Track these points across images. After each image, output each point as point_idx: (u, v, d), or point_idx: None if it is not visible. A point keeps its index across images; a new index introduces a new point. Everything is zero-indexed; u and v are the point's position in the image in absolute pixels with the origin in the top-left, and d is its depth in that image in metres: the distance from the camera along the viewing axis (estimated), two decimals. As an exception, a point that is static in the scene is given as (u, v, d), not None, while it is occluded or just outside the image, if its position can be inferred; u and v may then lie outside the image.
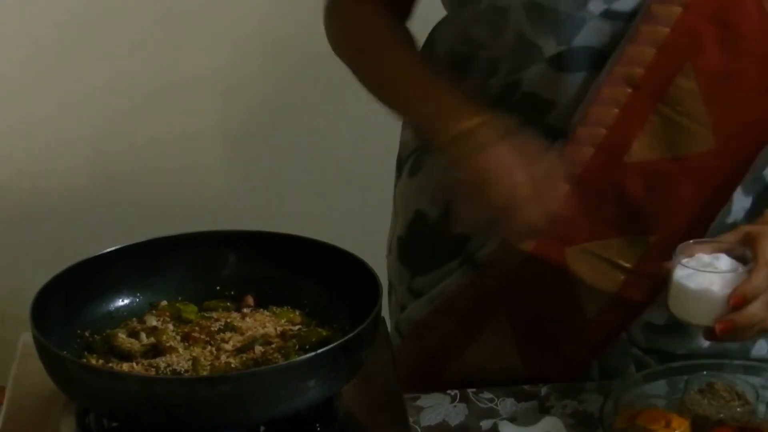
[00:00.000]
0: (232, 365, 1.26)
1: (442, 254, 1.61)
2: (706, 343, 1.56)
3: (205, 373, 1.25)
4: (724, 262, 1.34)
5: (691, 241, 1.37)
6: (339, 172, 2.74)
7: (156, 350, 1.30)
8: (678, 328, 1.57)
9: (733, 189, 1.50)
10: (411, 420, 1.47)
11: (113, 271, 1.39)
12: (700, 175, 1.47)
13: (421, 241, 1.65)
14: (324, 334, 1.32)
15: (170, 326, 1.35)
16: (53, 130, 2.65)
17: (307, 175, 2.73)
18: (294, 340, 1.31)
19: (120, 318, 1.38)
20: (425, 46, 1.62)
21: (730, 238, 1.37)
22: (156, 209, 2.69)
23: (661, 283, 1.47)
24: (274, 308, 1.39)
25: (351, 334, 1.21)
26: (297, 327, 1.35)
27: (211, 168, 2.73)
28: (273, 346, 1.30)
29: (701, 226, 1.49)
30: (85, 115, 2.65)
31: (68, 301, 1.34)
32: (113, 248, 1.39)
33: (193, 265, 1.42)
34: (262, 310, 1.39)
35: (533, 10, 1.46)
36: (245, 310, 1.38)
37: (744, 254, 1.34)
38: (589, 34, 1.45)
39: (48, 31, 2.58)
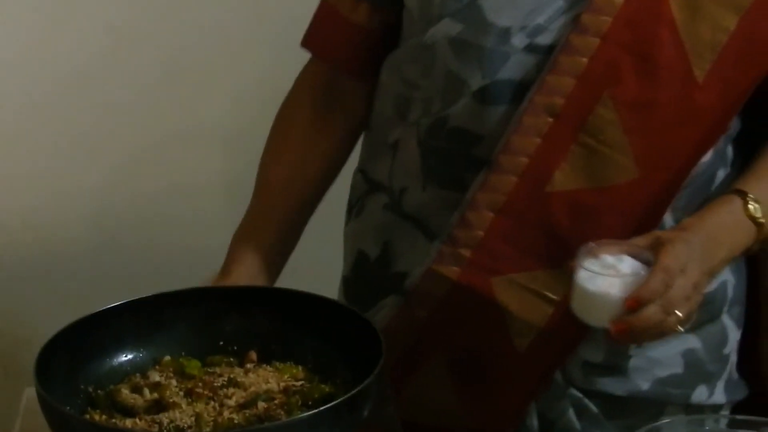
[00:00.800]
0: (235, 421, 1.26)
1: (382, 291, 1.61)
2: (645, 385, 1.58)
3: (208, 430, 1.25)
4: (627, 265, 1.35)
5: (597, 242, 1.37)
6: (340, 221, 2.75)
7: (159, 406, 1.30)
8: (616, 367, 1.57)
9: (659, 219, 1.50)
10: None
11: (117, 326, 1.39)
12: (624, 206, 1.48)
13: (364, 280, 1.67)
14: (327, 390, 1.32)
15: (173, 382, 1.35)
16: (57, 181, 2.65)
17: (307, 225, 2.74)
18: (297, 396, 1.31)
19: (123, 373, 1.38)
20: (376, 91, 1.65)
21: (640, 242, 1.37)
22: (158, 259, 2.69)
23: None
24: (277, 363, 1.39)
25: (354, 391, 1.22)
26: (300, 383, 1.35)
27: (213, 218, 2.73)
28: (276, 402, 1.30)
29: None
30: (88, 166, 2.66)
31: (72, 357, 1.34)
32: (116, 304, 1.39)
33: (197, 321, 1.43)
34: (265, 365, 1.39)
35: (458, 46, 1.48)
36: (248, 366, 1.39)
37: (648, 258, 1.34)
38: (513, 68, 1.47)
39: (51, 83, 2.59)
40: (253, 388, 1.33)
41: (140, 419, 1.28)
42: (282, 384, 1.35)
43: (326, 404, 1.22)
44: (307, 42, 1.68)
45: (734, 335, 1.65)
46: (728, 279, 1.62)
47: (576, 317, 1.37)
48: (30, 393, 1.39)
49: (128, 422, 1.27)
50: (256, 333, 1.42)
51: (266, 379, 1.36)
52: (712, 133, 1.49)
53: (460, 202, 1.51)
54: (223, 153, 2.71)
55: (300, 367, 1.39)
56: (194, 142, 2.68)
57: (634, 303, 1.31)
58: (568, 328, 1.50)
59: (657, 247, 1.35)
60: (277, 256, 1.64)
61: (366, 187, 1.67)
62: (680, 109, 1.45)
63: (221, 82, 2.63)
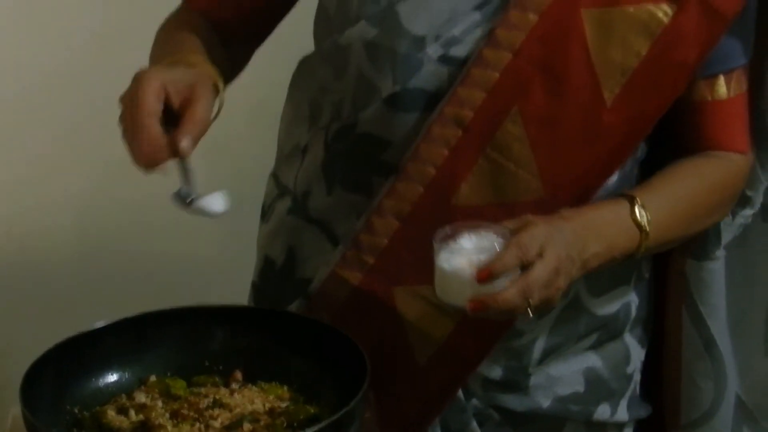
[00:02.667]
0: (221, 443, 1.27)
1: (288, 297, 1.61)
2: (546, 402, 1.59)
3: (193, 452, 1.26)
4: (483, 245, 1.35)
5: (458, 223, 1.37)
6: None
7: (145, 427, 1.30)
8: (516, 384, 1.58)
9: None
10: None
11: (102, 346, 1.39)
12: None
13: (271, 285, 1.67)
14: (312, 411, 1.33)
15: (159, 403, 1.35)
16: (40, 189, 2.65)
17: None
18: (282, 418, 1.31)
19: (109, 394, 1.39)
20: (289, 94, 1.66)
21: (509, 224, 1.37)
22: (143, 267, 2.69)
23: (492, 336, 1.51)
24: (263, 384, 1.39)
25: (339, 414, 1.22)
26: (285, 403, 1.36)
27: (198, 226, 2.72)
28: (261, 423, 1.30)
29: None
30: (71, 174, 2.65)
31: (57, 378, 1.34)
32: (101, 324, 1.39)
33: (182, 340, 1.43)
34: (250, 385, 1.39)
35: (373, 50, 1.49)
36: (234, 386, 1.39)
37: (507, 238, 1.34)
38: (426, 77, 1.48)
39: (33, 90, 2.58)
40: (238, 409, 1.33)
41: (126, 441, 1.28)
42: (267, 405, 1.35)
43: (311, 425, 1.22)
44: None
45: (637, 354, 1.67)
46: (632, 299, 1.64)
47: (440, 300, 1.37)
48: (15, 412, 1.38)
49: (114, 444, 1.28)
50: (242, 352, 1.43)
51: (251, 400, 1.36)
52: (618, 156, 1.50)
53: (366, 207, 1.52)
54: (208, 160, 2.70)
55: (285, 387, 1.39)
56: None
57: (484, 274, 1.30)
58: (469, 345, 1.52)
59: (524, 225, 1.35)
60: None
61: (276, 191, 1.68)
62: (587, 129, 1.46)
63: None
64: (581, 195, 1.48)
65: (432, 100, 1.48)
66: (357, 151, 1.53)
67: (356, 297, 1.52)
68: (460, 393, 1.57)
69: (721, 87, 1.53)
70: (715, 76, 1.52)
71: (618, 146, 1.49)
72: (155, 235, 2.70)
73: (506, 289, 1.30)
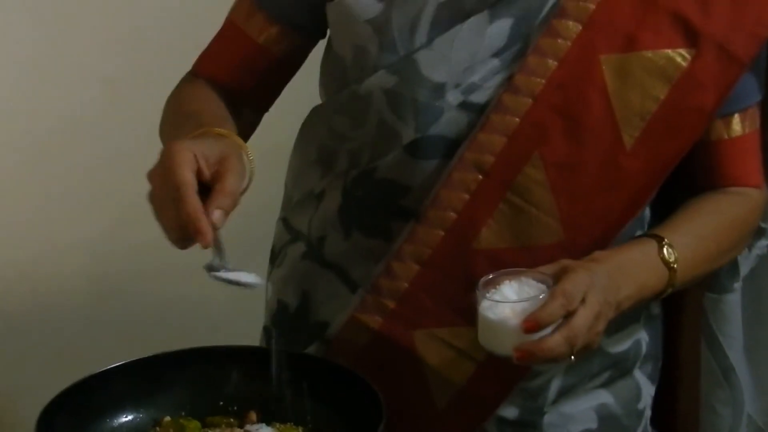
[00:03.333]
0: (236, 484, 1.26)
1: (302, 341, 1.61)
2: None
3: (208, 493, 1.25)
4: (527, 292, 1.35)
5: (499, 271, 1.37)
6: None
7: (160, 468, 1.30)
8: (530, 423, 1.58)
9: None
10: None
11: (116, 387, 1.39)
12: None
13: (284, 329, 1.66)
14: (327, 452, 1.32)
15: (174, 443, 1.35)
16: (52, 233, 2.65)
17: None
18: (297, 458, 1.31)
19: (124, 435, 1.38)
20: (298, 142, 1.66)
21: (546, 269, 1.37)
22: (155, 310, 2.69)
23: (512, 379, 1.51)
24: (278, 424, 1.39)
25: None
26: (300, 444, 1.36)
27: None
28: (276, 463, 1.30)
29: None
30: (83, 218, 2.66)
31: (72, 419, 1.34)
32: (115, 365, 1.39)
33: (196, 381, 1.42)
34: (265, 426, 1.39)
35: (393, 98, 1.50)
36: (248, 427, 1.38)
37: (550, 284, 1.34)
38: (446, 124, 1.49)
39: (46, 135, 2.59)
40: (253, 450, 1.33)
41: (141, 482, 1.27)
42: (282, 445, 1.34)
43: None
44: (203, 65, 1.66)
45: (648, 390, 1.67)
46: (642, 337, 1.64)
47: (484, 348, 1.36)
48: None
49: (129, 486, 1.27)
50: (256, 393, 1.42)
51: (267, 441, 1.35)
52: (638, 200, 1.51)
53: (383, 252, 1.52)
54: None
55: (300, 429, 1.39)
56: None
57: (532, 324, 1.31)
58: (488, 388, 1.52)
59: (560, 274, 1.36)
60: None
61: (288, 236, 1.68)
62: (607, 174, 1.47)
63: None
64: (601, 238, 1.49)
65: (452, 146, 1.48)
66: (376, 196, 1.54)
67: (376, 341, 1.52)
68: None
69: (737, 125, 1.54)
70: (731, 114, 1.53)
71: (639, 190, 1.50)
72: (167, 279, 2.70)
73: (551, 337, 1.31)
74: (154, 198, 1.30)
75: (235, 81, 1.63)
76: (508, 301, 1.33)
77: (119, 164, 2.66)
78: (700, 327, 1.68)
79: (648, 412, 1.67)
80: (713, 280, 1.64)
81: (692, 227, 1.52)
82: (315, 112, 1.64)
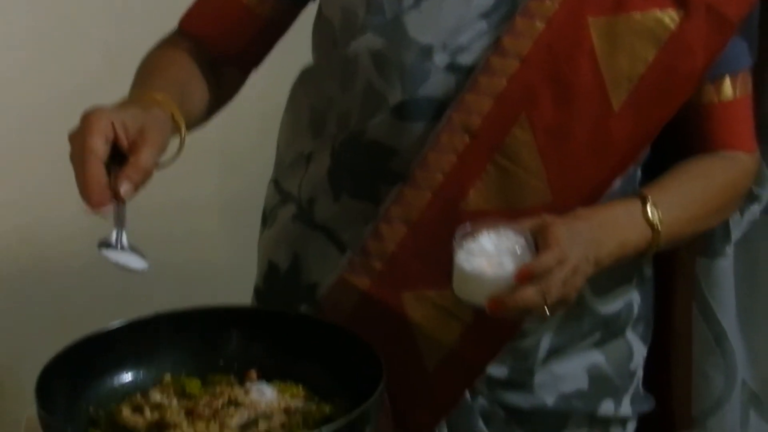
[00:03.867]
0: (236, 442, 1.27)
1: (294, 302, 1.61)
2: (550, 400, 1.60)
3: (208, 451, 1.26)
4: (504, 244, 1.35)
5: (476, 221, 1.38)
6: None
7: (160, 426, 1.30)
8: (520, 382, 1.59)
9: None
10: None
11: (117, 346, 1.39)
12: None
13: (275, 291, 1.67)
14: (327, 410, 1.33)
15: (174, 402, 1.35)
16: (54, 197, 2.64)
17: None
18: (297, 417, 1.31)
19: (124, 393, 1.38)
20: (289, 103, 1.66)
21: (527, 223, 1.37)
22: (155, 275, 2.68)
23: (500, 339, 1.51)
24: (278, 382, 1.39)
25: (354, 413, 1.22)
26: (300, 403, 1.36)
27: (209, 235, 2.74)
28: (276, 422, 1.30)
29: None
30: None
31: (72, 377, 1.34)
32: (116, 323, 1.39)
33: (197, 341, 1.43)
34: (266, 384, 1.39)
35: (380, 60, 1.49)
36: (249, 385, 1.39)
37: (527, 237, 1.34)
38: (433, 86, 1.48)
39: (48, 102, 2.59)
40: (253, 408, 1.33)
41: (141, 440, 1.28)
42: (282, 404, 1.35)
43: (326, 425, 1.22)
44: (189, 23, 1.64)
45: (640, 351, 1.67)
46: (634, 298, 1.64)
47: (458, 298, 1.37)
48: (30, 414, 1.38)
49: (129, 443, 1.27)
50: (257, 353, 1.43)
51: (267, 399, 1.35)
52: (625, 162, 1.51)
53: (372, 215, 1.52)
54: (219, 170, 2.72)
55: (300, 386, 1.39)
56: (190, 159, 2.66)
57: (525, 275, 1.31)
58: (477, 349, 1.52)
59: (541, 228, 1.36)
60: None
61: (278, 198, 1.68)
62: (595, 135, 1.47)
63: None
64: (588, 199, 1.49)
65: (439, 108, 1.48)
66: (364, 159, 1.54)
67: (365, 303, 1.52)
68: (467, 393, 1.58)
69: (728, 88, 1.54)
70: (721, 77, 1.53)
71: (627, 152, 1.50)
72: (168, 242, 2.70)
73: (525, 289, 1.31)
74: (71, 159, 1.30)
75: (219, 42, 1.62)
76: (483, 252, 1.33)
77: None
78: (693, 293, 1.68)
79: (640, 373, 1.68)
80: (705, 243, 1.65)
81: (680, 188, 1.52)
82: (305, 74, 1.65)
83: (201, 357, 1.42)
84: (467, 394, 1.58)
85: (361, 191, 1.55)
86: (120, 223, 1.30)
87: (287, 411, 1.33)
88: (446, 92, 1.48)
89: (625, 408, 1.65)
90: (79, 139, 1.28)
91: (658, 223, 1.46)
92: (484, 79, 1.46)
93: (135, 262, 1.35)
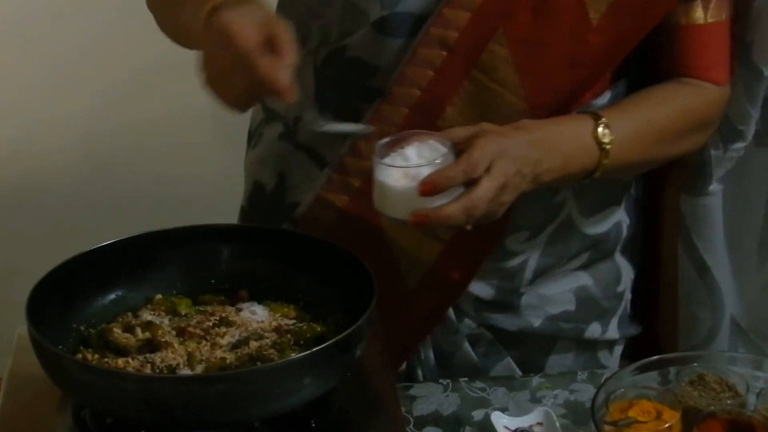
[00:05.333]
0: (228, 361, 1.27)
1: (276, 222, 1.61)
2: (537, 321, 1.61)
3: (200, 369, 1.26)
4: (427, 156, 1.33)
5: (400, 133, 1.36)
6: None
7: (151, 345, 1.30)
8: (507, 304, 1.59)
9: None
10: (404, 410, 1.49)
11: (108, 265, 1.39)
12: None
13: (260, 210, 1.67)
14: (318, 329, 1.33)
15: (165, 321, 1.35)
16: (44, 111, 2.65)
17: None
18: (289, 336, 1.31)
19: (115, 312, 1.38)
20: (276, 11, 1.63)
21: (463, 132, 1.36)
22: (146, 187, 2.69)
23: (478, 260, 1.51)
24: (269, 302, 1.39)
25: (347, 332, 1.22)
26: (292, 321, 1.36)
27: (201, 147, 2.73)
28: (268, 341, 1.30)
29: (515, 200, 1.49)
30: (75, 96, 2.65)
31: (63, 296, 1.34)
32: (107, 242, 1.38)
33: (188, 259, 1.42)
34: (256, 304, 1.39)
35: None
36: (240, 305, 1.39)
37: (449, 147, 1.33)
38: (413, 0, 1.46)
39: (38, 14, 2.57)
40: (244, 327, 1.33)
41: (132, 359, 1.28)
42: (274, 323, 1.35)
43: (318, 344, 1.22)
44: None
45: (628, 273, 1.67)
46: (623, 219, 1.64)
47: (379, 213, 1.36)
48: (21, 330, 1.38)
49: (120, 362, 1.27)
50: (248, 271, 1.42)
51: (258, 318, 1.35)
52: (598, 76, 1.50)
53: None
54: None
55: (291, 306, 1.39)
56: (182, 72, 2.63)
57: (428, 187, 1.30)
58: (456, 267, 1.52)
59: (470, 139, 1.34)
60: None
61: (263, 115, 1.67)
62: (573, 50, 1.46)
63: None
64: (561, 111, 1.48)
65: (419, 23, 1.46)
66: (345, 76, 1.52)
67: (343, 220, 1.52)
68: (452, 314, 1.59)
69: (697, 11, 1.51)
70: (690, 2, 1.50)
71: (601, 66, 1.48)
72: (159, 156, 2.70)
73: (449, 205, 1.30)
74: (211, 73, 1.29)
75: None
76: (404, 165, 1.32)
77: (112, 43, 2.64)
78: (677, 229, 1.67)
79: (628, 295, 1.69)
80: (687, 181, 1.63)
81: (636, 112, 1.50)
82: None
83: (192, 276, 1.42)
84: (453, 316, 1.59)
85: (342, 109, 1.53)
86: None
87: (278, 330, 1.33)
88: (426, 7, 1.46)
89: (612, 331, 1.66)
90: (227, 47, 1.26)
91: (607, 144, 1.44)
92: None
93: (352, 126, 1.41)
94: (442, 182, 1.30)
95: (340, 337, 1.21)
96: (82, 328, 1.35)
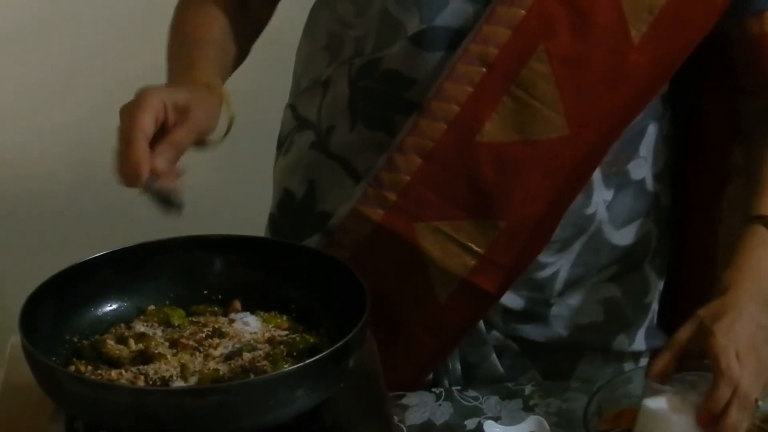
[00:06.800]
0: (221, 372, 1.27)
1: (307, 230, 1.62)
2: (565, 332, 1.61)
3: (193, 381, 1.26)
4: (690, 384, 1.34)
5: (653, 365, 1.36)
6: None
7: (144, 356, 1.30)
8: (536, 314, 1.60)
9: (584, 180, 1.52)
10: (396, 419, 1.50)
11: (101, 276, 1.39)
12: (550, 164, 1.48)
13: (289, 218, 1.67)
14: (311, 340, 1.33)
15: (158, 332, 1.35)
16: (32, 117, 2.64)
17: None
18: (282, 347, 1.31)
19: (108, 323, 1.38)
20: (307, 26, 1.64)
21: (684, 334, 1.35)
22: (134, 196, 2.68)
23: (513, 274, 1.51)
24: (262, 313, 1.39)
25: (339, 344, 1.22)
26: (284, 332, 1.36)
27: (189, 155, 2.72)
28: (260, 352, 1.30)
29: (552, 216, 1.51)
30: (64, 102, 2.64)
31: (56, 308, 1.34)
32: (100, 253, 1.39)
33: (181, 270, 1.42)
34: (249, 314, 1.39)
35: None
36: (233, 315, 1.39)
37: (708, 365, 1.32)
38: (451, 15, 1.47)
39: (26, 20, 2.56)
40: (237, 338, 1.33)
41: (126, 370, 1.28)
42: (266, 334, 1.35)
43: (311, 355, 1.23)
44: None
45: (656, 284, 1.68)
46: (652, 230, 1.64)
47: None
48: (14, 341, 1.38)
49: (114, 373, 1.27)
50: (241, 282, 1.42)
51: (251, 329, 1.36)
52: (644, 95, 1.50)
53: (387, 145, 1.51)
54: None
55: (284, 317, 1.39)
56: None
57: (708, 418, 1.29)
58: (489, 281, 1.53)
59: (704, 337, 1.32)
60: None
61: (295, 123, 1.67)
62: (613, 69, 1.46)
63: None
64: (607, 132, 1.49)
65: (457, 38, 1.47)
66: (380, 88, 1.52)
67: (378, 234, 1.52)
68: (482, 325, 1.59)
69: None
70: (761, 12, 1.50)
71: (646, 85, 1.49)
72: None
73: (728, 415, 1.28)
74: (119, 132, 1.30)
75: None
76: (675, 408, 1.32)
77: (100, 49, 2.63)
78: (712, 234, 1.65)
79: (655, 306, 1.68)
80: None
81: None
82: (320, 1, 1.62)
83: (185, 286, 1.42)
84: (482, 326, 1.59)
85: (376, 121, 1.54)
86: (159, 198, 1.30)
87: (271, 341, 1.33)
88: (464, 22, 1.47)
89: (639, 342, 1.66)
90: (129, 116, 1.28)
91: None
92: (502, 9, 1.45)
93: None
94: (716, 407, 1.29)
95: (332, 349, 1.22)
96: (75, 339, 1.35)
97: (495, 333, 1.61)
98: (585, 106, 1.47)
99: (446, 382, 1.63)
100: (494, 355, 1.61)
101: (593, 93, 1.47)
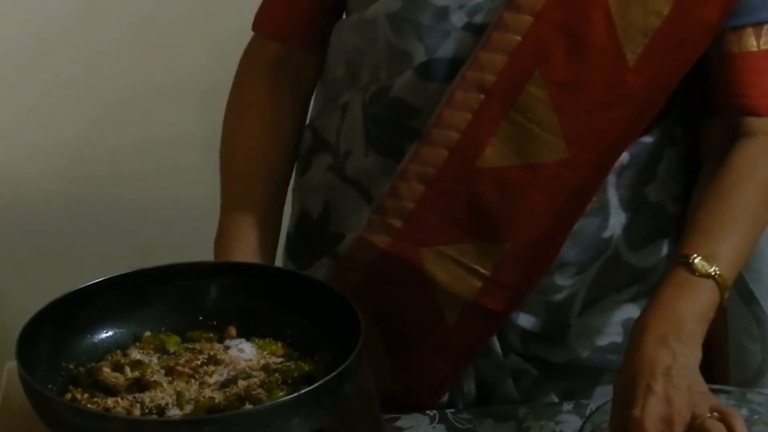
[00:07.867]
0: (216, 401, 1.27)
1: (321, 251, 1.63)
2: (585, 353, 1.61)
3: (189, 409, 1.27)
4: None
5: None
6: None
7: (140, 384, 1.31)
8: (556, 336, 1.60)
9: (587, 201, 1.53)
10: (391, 442, 1.50)
11: (97, 303, 1.39)
12: (552, 186, 1.49)
13: (305, 238, 1.69)
14: (306, 368, 1.33)
15: (154, 359, 1.36)
16: (32, 135, 2.64)
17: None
18: (277, 374, 1.32)
19: (104, 350, 1.39)
20: (329, 52, 1.66)
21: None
22: (134, 213, 2.69)
23: (520, 293, 1.53)
24: (257, 339, 1.40)
25: (335, 373, 1.22)
26: (279, 360, 1.37)
27: (189, 172, 2.73)
28: (256, 380, 1.31)
29: (556, 237, 1.52)
30: (63, 120, 2.65)
31: (53, 335, 1.34)
32: (97, 281, 1.39)
33: (177, 296, 1.43)
34: (244, 341, 1.40)
35: (397, 23, 1.50)
36: (228, 342, 1.39)
37: None
38: (453, 46, 1.49)
39: (26, 36, 2.57)
40: (233, 366, 1.34)
41: (122, 398, 1.28)
42: (262, 361, 1.35)
43: (306, 383, 1.24)
44: (260, 25, 1.69)
45: None
46: (671, 250, 1.64)
47: None
48: (11, 366, 1.39)
49: (110, 401, 1.28)
50: (236, 308, 1.43)
51: (246, 356, 1.36)
52: (642, 115, 1.50)
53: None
54: (200, 106, 2.70)
55: (279, 344, 1.40)
56: (171, 95, 2.67)
57: None
58: (496, 302, 1.54)
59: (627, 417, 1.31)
60: (267, 231, 1.63)
61: (313, 143, 1.68)
62: (610, 91, 1.47)
63: (198, 35, 2.62)
64: (607, 153, 1.50)
65: (455, 67, 1.49)
66: (389, 116, 1.54)
67: (384, 259, 1.54)
68: (498, 348, 1.60)
69: (750, 39, 1.51)
70: (742, 27, 1.50)
71: (643, 105, 1.49)
72: (146, 182, 2.70)
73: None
74: None
75: (297, 39, 1.66)
76: None
77: (100, 66, 2.64)
78: None
79: None
80: None
81: (720, 222, 1.44)
82: (338, 27, 1.64)
83: (180, 313, 1.43)
84: (498, 348, 1.60)
85: (386, 147, 1.55)
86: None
87: (266, 369, 1.34)
88: (465, 53, 1.48)
89: None
90: None
91: (716, 272, 1.39)
92: (497, 36, 1.46)
93: None
94: None
95: (328, 378, 1.22)
96: (71, 366, 1.35)
97: (513, 357, 1.61)
98: (583, 129, 1.48)
99: (460, 404, 1.64)
100: (510, 380, 1.61)
101: (591, 115, 1.48)
